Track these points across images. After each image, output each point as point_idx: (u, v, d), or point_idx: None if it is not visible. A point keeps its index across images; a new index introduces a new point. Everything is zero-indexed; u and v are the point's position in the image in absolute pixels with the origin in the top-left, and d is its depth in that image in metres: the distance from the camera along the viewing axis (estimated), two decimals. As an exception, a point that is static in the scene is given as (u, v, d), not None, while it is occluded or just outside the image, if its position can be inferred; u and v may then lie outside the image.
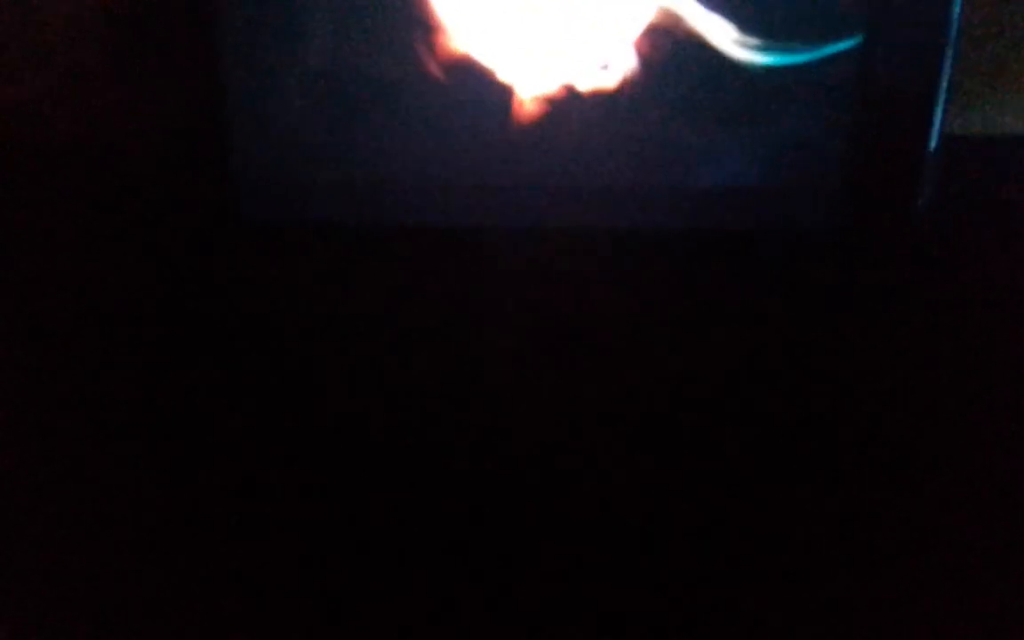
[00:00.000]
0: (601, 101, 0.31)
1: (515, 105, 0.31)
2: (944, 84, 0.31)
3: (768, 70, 0.30)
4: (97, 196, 0.34)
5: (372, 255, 0.33)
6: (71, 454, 0.34)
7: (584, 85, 0.31)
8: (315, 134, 0.31)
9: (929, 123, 0.31)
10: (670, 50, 0.30)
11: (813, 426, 0.35)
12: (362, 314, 0.34)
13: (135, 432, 0.34)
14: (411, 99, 0.31)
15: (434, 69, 0.30)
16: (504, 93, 0.31)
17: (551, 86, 0.31)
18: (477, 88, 0.30)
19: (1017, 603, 0.35)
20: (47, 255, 0.34)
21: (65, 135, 0.33)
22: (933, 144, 0.31)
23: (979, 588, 0.35)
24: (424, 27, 0.30)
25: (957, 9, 0.30)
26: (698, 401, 0.35)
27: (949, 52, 0.30)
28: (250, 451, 0.34)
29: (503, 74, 0.31)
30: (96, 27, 0.31)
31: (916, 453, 0.35)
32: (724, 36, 0.30)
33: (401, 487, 0.34)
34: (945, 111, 0.31)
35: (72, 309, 0.34)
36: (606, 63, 0.30)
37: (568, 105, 0.31)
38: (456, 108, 0.31)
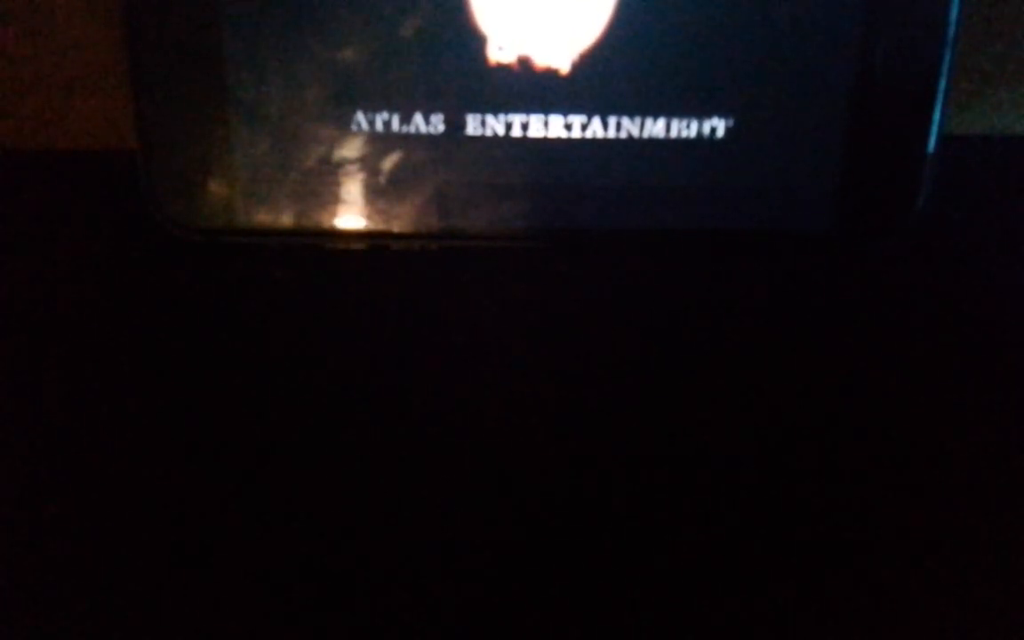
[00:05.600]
0: (594, 98, 0.31)
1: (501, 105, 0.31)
2: (944, 84, 0.30)
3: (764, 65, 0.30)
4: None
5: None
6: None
7: (576, 84, 0.31)
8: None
9: (929, 123, 0.31)
10: (665, 41, 0.30)
11: (813, 427, 0.35)
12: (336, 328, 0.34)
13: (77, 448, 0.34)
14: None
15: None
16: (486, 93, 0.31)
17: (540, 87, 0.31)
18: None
19: (1017, 610, 0.35)
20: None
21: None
22: (932, 144, 0.31)
23: (979, 595, 0.35)
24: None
25: (957, 9, 0.30)
26: (695, 402, 0.34)
27: (949, 52, 0.30)
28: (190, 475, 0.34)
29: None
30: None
31: (916, 456, 0.35)
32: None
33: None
34: (945, 111, 0.31)
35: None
36: (600, 58, 0.30)
37: (558, 102, 0.31)
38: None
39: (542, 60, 0.30)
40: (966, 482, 0.35)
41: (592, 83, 0.31)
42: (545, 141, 0.31)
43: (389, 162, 0.31)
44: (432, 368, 0.34)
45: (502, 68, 0.30)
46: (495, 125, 0.31)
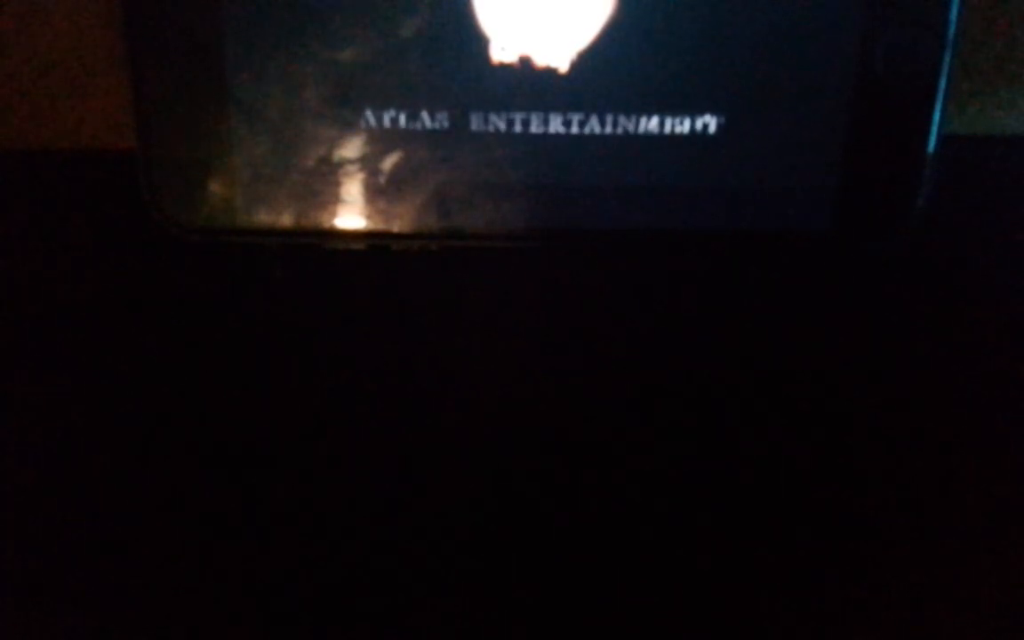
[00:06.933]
0: (593, 98, 0.31)
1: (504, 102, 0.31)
2: (944, 84, 0.30)
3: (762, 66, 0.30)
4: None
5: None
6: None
7: (576, 84, 0.31)
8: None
9: (929, 123, 0.31)
10: (665, 39, 0.30)
11: (812, 427, 0.35)
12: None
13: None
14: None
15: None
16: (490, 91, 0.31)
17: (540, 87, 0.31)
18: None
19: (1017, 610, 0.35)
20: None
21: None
22: (932, 144, 0.31)
23: (978, 595, 0.35)
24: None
25: (957, 9, 0.30)
26: (694, 404, 0.34)
27: (949, 52, 0.30)
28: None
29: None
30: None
31: (915, 456, 0.35)
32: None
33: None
34: (945, 111, 0.31)
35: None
36: (598, 58, 0.30)
37: (557, 102, 0.31)
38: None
39: (542, 59, 0.30)
40: (966, 481, 0.35)
41: (592, 81, 0.31)
42: (546, 139, 0.31)
43: (389, 162, 0.31)
44: (432, 368, 0.34)
45: (504, 67, 0.30)
46: (498, 123, 0.31)
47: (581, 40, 0.30)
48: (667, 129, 0.31)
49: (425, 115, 0.31)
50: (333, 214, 0.32)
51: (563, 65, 0.30)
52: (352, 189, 0.31)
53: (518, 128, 0.31)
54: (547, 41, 0.30)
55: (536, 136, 0.31)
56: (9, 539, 0.35)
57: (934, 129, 0.31)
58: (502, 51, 0.30)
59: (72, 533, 0.35)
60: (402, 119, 0.31)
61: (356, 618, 0.35)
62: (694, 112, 0.31)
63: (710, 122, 0.31)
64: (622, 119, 0.31)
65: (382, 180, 0.31)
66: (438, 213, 0.32)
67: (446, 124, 0.31)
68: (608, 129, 0.31)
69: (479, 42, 0.30)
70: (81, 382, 0.34)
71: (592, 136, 0.31)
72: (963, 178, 0.33)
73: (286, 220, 0.32)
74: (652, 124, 0.31)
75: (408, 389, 0.34)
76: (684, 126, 0.31)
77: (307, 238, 0.32)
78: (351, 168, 0.31)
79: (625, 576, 0.35)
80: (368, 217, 0.32)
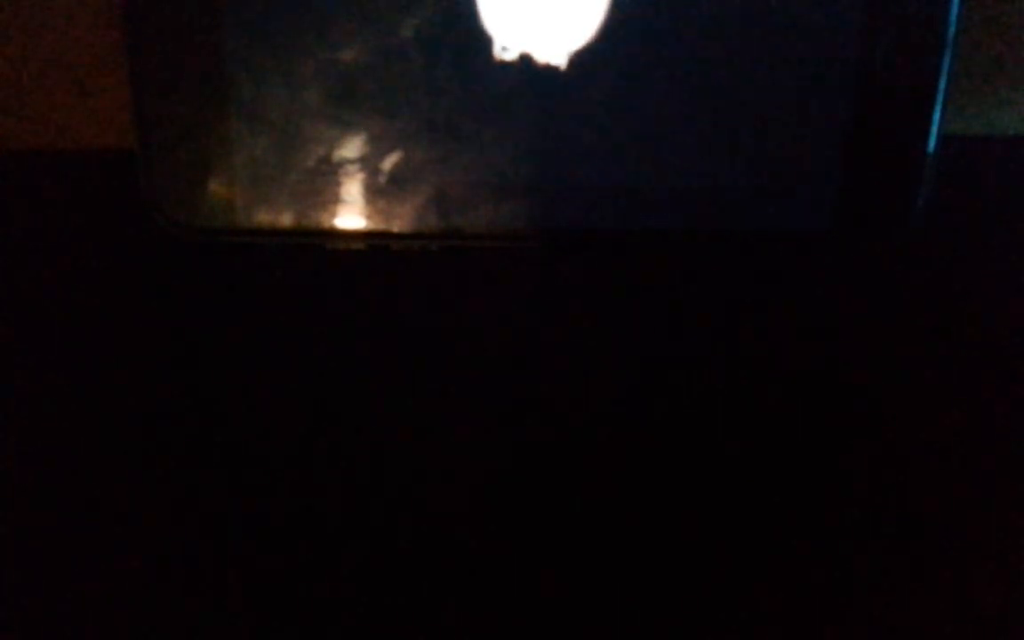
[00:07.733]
0: (594, 98, 0.31)
1: (503, 100, 0.31)
2: (944, 84, 0.30)
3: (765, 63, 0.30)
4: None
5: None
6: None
7: (574, 83, 0.31)
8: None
9: (929, 123, 0.31)
10: (664, 38, 0.30)
11: (812, 427, 0.35)
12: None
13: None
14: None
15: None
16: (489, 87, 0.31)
17: (537, 83, 0.31)
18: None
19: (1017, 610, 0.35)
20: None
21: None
22: (932, 144, 0.31)
23: (978, 597, 0.35)
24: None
25: (957, 9, 0.30)
26: (695, 402, 0.34)
27: (949, 52, 0.30)
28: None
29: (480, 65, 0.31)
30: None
31: (914, 456, 0.35)
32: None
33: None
34: (945, 111, 0.31)
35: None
36: (596, 57, 0.30)
37: (558, 102, 0.31)
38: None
39: (542, 59, 0.30)
40: (966, 481, 0.35)
41: (591, 81, 0.31)
42: (546, 140, 0.31)
43: (389, 162, 0.31)
44: (432, 368, 0.34)
45: (504, 67, 0.30)
46: (498, 123, 0.31)
47: (581, 40, 0.30)
48: (666, 128, 0.31)
49: (425, 115, 0.31)
50: (333, 214, 0.32)
51: (563, 65, 0.30)
52: (352, 189, 0.31)
53: (518, 128, 0.31)
54: (547, 41, 0.30)
55: (536, 136, 0.31)
56: (9, 539, 0.35)
57: (934, 129, 0.31)
58: (502, 51, 0.30)
59: (72, 533, 0.35)
60: (402, 119, 0.31)
61: (356, 618, 0.35)
62: (693, 111, 0.31)
63: (716, 124, 0.31)
64: (622, 119, 0.31)
65: (382, 180, 0.31)
66: (438, 213, 0.32)
67: (446, 124, 0.31)
68: (608, 129, 0.31)
69: (479, 42, 0.30)
70: (81, 382, 0.34)
71: (592, 136, 0.31)
72: (963, 178, 0.33)
73: (286, 220, 0.32)
74: (655, 126, 0.31)
75: (408, 389, 0.34)
76: (683, 125, 0.31)
77: (307, 238, 0.32)
78: (351, 168, 0.31)
79: (624, 576, 0.35)
80: (368, 217, 0.32)
